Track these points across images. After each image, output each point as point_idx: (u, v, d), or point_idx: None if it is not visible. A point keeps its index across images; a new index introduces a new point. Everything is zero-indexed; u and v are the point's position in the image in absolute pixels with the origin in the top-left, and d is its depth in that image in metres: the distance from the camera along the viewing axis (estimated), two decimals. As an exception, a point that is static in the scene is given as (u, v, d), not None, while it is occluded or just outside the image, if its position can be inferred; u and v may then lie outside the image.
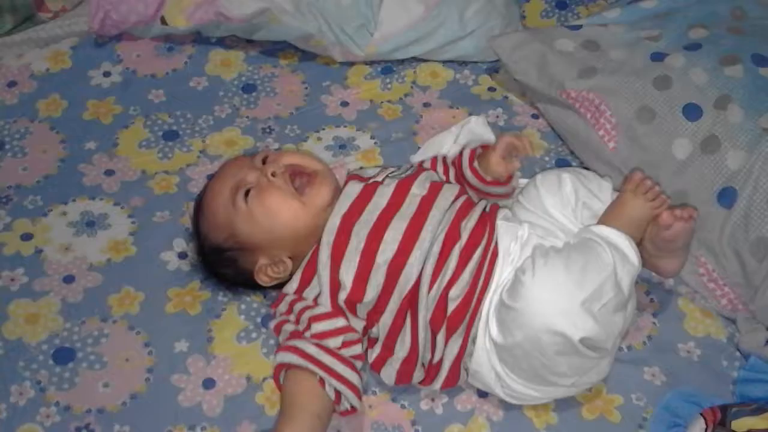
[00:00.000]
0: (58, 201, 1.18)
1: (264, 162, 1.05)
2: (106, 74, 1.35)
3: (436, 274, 0.98)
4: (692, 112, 1.17)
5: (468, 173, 1.09)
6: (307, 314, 0.98)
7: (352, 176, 1.08)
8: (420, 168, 1.11)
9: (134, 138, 1.27)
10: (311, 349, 0.95)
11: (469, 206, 1.05)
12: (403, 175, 1.07)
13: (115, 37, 1.38)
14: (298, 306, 0.99)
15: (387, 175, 1.07)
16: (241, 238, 1.01)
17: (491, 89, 1.38)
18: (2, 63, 1.34)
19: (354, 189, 1.04)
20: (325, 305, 0.98)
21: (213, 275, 1.08)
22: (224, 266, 1.05)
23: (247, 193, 1.01)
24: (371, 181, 1.06)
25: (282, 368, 0.97)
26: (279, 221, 1.01)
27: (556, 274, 0.92)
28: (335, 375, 0.94)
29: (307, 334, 0.97)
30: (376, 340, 1.00)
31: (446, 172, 1.12)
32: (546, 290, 0.91)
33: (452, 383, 0.99)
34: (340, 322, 0.98)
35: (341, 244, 0.99)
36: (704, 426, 0.97)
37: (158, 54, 1.38)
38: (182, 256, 1.13)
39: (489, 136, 1.28)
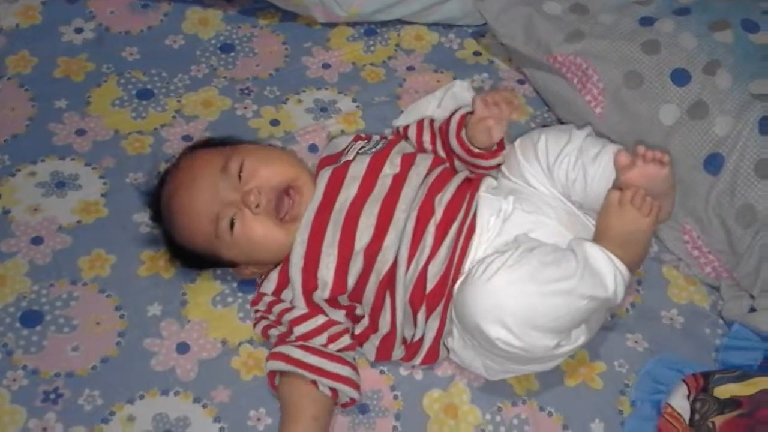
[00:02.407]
0: (27, 161, 1.14)
1: (240, 174, 0.97)
2: (78, 30, 1.30)
3: (412, 254, 0.95)
4: (680, 77, 1.15)
5: (454, 143, 1.03)
6: (286, 317, 0.96)
7: (322, 160, 1.05)
8: (392, 139, 1.07)
9: (107, 96, 1.23)
10: (297, 353, 0.93)
11: (445, 178, 1.01)
12: (374, 150, 1.03)
13: (89, -9, 1.33)
14: (277, 308, 0.97)
15: (357, 151, 1.03)
16: (223, 257, 0.99)
17: (477, 53, 1.35)
18: (-31, 18, 1.29)
19: (323, 179, 1.00)
20: (301, 306, 0.96)
21: (188, 265, 1.04)
22: (203, 265, 1.03)
23: (231, 223, 0.96)
24: (342, 161, 1.02)
25: (275, 374, 0.95)
26: (263, 249, 0.98)
27: (517, 275, 0.87)
28: (326, 374, 0.93)
29: (292, 337, 0.95)
30: (362, 316, 0.98)
31: (433, 141, 1.07)
32: (488, 291, 0.87)
33: (432, 360, 0.97)
34: (320, 320, 0.96)
35: (316, 242, 0.96)
36: (686, 392, 0.96)
37: (133, 11, 1.33)
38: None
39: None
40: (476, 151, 1.02)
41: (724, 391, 0.95)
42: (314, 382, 0.93)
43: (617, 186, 0.94)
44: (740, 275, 1.08)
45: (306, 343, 0.94)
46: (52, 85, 1.23)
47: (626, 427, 0.97)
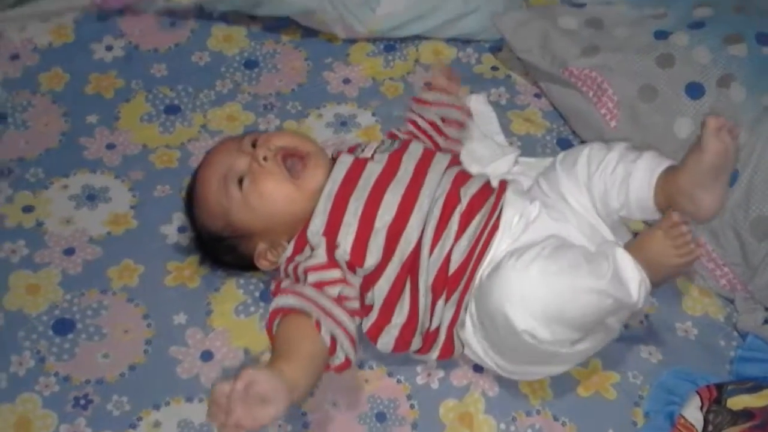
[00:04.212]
0: (60, 174, 1.19)
1: (254, 145, 1.02)
2: (109, 48, 1.35)
3: (437, 237, 0.97)
4: (695, 90, 1.16)
5: (421, 94, 1.13)
6: (301, 266, 0.96)
7: (340, 153, 1.07)
8: (406, 140, 1.10)
9: (136, 112, 1.27)
10: (309, 292, 0.92)
11: (466, 175, 1.04)
12: (391, 149, 1.05)
13: (118, 11, 1.37)
14: (291, 266, 0.97)
15: (375, 150, 1.05)
16: (238, 225, 1.00)
17: (494, 68, 1.37)
18: (5, 36, 1.34)
19: (346, 159, 1.03)
20: (321, 257, 0.96)
21: (213, 261, 1.08)
22: (224, 253, 1.05)
23: (240, 180, 0.99)
24: (361, 156, 1.04)
25: (277, 315, 0.92)
26: (275, 206, 0.99)
27: (553, 268, 0.88)
28: (332, 318, 0.90)
29: (305, 282, 0.95)
30: (370, 307, 0.98)
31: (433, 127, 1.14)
32: (523, 279, 0.88)
33: (448, 353, 0.98)
34: (336, 273, 0.95)
35: (339, 211, 0.98)
36: (700, 404, 0.97)
37: (161, 28, 1.38)
38: (182, 230, 1.13)
39: (490, 113, 1.29)
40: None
41: (737, 402, 0.96)
42: (318, 325, 0.89)
43: (676, 207, 0.94)
44: (755, 288, 1.09)
45: (319, 289, 0.93)
46: (83, 101, 1.28)
47: (640, 438, 0.99)
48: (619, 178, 0.97)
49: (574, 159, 1.02)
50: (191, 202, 1.05)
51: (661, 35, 1.23)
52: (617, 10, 1.31)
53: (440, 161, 1.04)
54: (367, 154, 1.04)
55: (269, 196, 0.99)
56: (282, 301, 0.93)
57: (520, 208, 0.99)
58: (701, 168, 0.93)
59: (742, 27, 1.20)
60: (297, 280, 0.96)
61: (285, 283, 0.98)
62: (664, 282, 0.95)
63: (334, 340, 0.90)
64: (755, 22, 1.22)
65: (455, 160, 1.07)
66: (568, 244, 0.94)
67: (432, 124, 1.14)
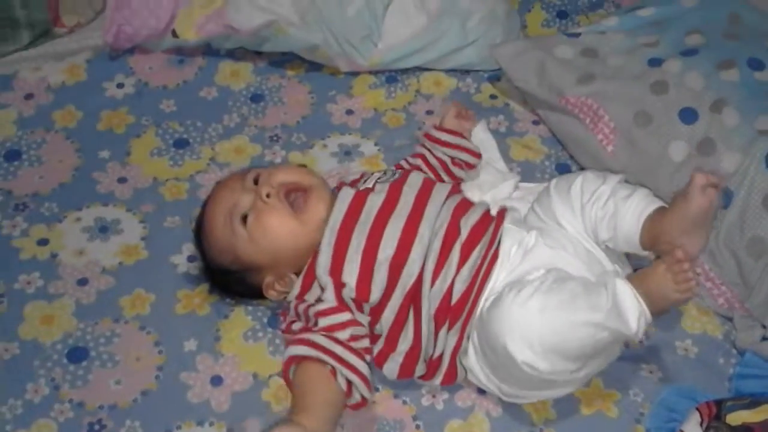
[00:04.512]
0: (73, 207, 1.22)
1: (256, 181, 1.06)
2: (120, 86, 1.39)
3: (439, 269, 1.00)
4: (688, 115, 1.19)
5: (434, 132, 1.18)
6: (312, 310, 1.00)
7: (340, 183, 1.11)
8: (407, 170, 1.14)
9: (146, 146, 1.31)
10: (321, 340, 0.96)
11: (467, 203, 1.07)
12: (392, 180, 1.09)
13: (129, 50, 1.42)
14: (302, 307, 1.02)
15: (376, 181, 1.09)
16: (245, 260, 1.04)
17: (493, 97, 1.41)
18: (20, 76, 1.39)
19: (348, 193, 1.06)
20: (330, 301, 1.00)
21: (222, 290, 1.11)
22: (233, 285, 1.09)
23: (244, 218, 1.03)
24: (362, 188, 1.08)
25: (292, 362, 0.97)
26: (279, 241, 1.03)
27: (550, 302, 0.91)
28: (346, 365, 0.95)
29: (316, 328, 0.99)
30: (378, 336, 1.02)
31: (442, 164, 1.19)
32: (522, 314, 0.91)
33: (451, 379, 1.02)
34: (345, 316, 0.99)
35: (342, 246, 1.01)
36: (700, 420, 0.99)
37: (170, 66, 1.42)
38: (191, 259, 1.16)
39: (490, 141, 1.32)
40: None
41: (736, 418, 0.98)
42: (333, 372, 0.94)
43: (680, 245, 0.95)
44: (752, 305, 1.11)
45: (330, 334, 0.97)
46: (95, 137, 1.32)
47: (641, 455, 1.00)
48: (609, 213, 1.01)
49: (568, 186, 1.05)
50: (200, 236, 1.09)
51: (655, 62, 1.27)
52: (611, 39, 1.35)
53: (440, 191, 1.07)
54: (369, 184, 1.08)
55: (273, 231, 1.03)
56: (296, 350, 0.97)
57: (518, 238, 1.03)
58: (686, 217, 0.98)
59: (734, 53, 1.24)
60: (308, 322, 1.00)
61: (296, 326, 1.02)
62: (662, 313, 0.96)
63: (349, 383, 0.95)
64: (747, 48, 1.25)
65: (455, 189, 1.11)
66: (567, 276, 0.96)
67: (441, 162, 1.18)
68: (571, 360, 0.91)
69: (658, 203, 1.02)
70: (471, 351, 0.99)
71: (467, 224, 1.03)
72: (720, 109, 1.18)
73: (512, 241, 1.02)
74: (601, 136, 1.25)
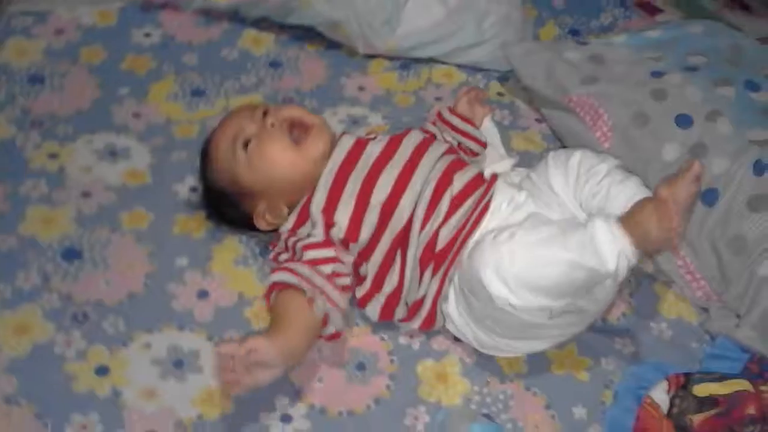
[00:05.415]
0: (87, 131, 1.27)
1: (264, 114, 1.11)
2: (147, 35, 1.44)
3: (428, 216, 1.04)
4: (684, 121, 1.25)
5: (446, 114, 1.21)
6: (300, 244, 1.04)
7: (345, 132, 1.16)
8: (407, 129, 1.18)
9: (164, 90, 1.36)
10: (304, 270, 1.00)
11: (462, 162, 1.12)
12: (393, 134, 1.14)
13: (161, 5, 1.48)
14: (291, 240, 1.05)
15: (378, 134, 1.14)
16: (241, 184, 1.08)
17: (500, 94, 1.46)
18: (55, 14, 1.45)
19: (348, 141, 1.11)
20: (318, 236, 1.04)
21: (217, 214, 1.15)
22: (227, 207, 1.12)
23: (246, 143, 1.08)
24: (363, 137, 1.13)
25: (274, 288, 1.01)
26: (276, 170, 1.07)
27: (527, 240, 0.94)
28: (325, 294, 0.99)
29: (301, 259, 1.03)
30: (364, 278, 1.05)
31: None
32: (498, 249, 0.94)
33: (430, 324, 1.04)
34: (330, 252, 1.03)
35: (338, 188, 1.06)
36: (667, 388, 1.01)
37: (196, 25, 1.47)
38: (193, 190, 1.20)
39: (493, 129, 1.37)
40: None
41: (703, 389, 1.00)
42: (311, 301, 0.97)
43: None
44: (729, 297, 1.14)
45: (314, 266, 1.00)
46: (117, 75, 1.37)
47: (607, 415, 1.02)
48: (603, 191, 1.05)
49: (566, 157, 1.09)
50: (204, 158, 1.13)
51: (657, 74, 1.33)
52: (618, 50, 1.41)
53: (437, 148, 1.12)
54: (371, 136, 1.13)
55: (271, 158, 1.07)
56: (279, 277, 1.00)
57: (509, 195, 1.07)
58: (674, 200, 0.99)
59: (733, 74, 1.30)
60: (294, 254, 1.03)
61: (283, 257, 1.05)
62: (648, 255, 0.98)
63: (326, 314, 0.97)
64: (745, 73, 1.31)
65: (452, 150, 1.15)
66: (547, 220, 1.00)
67: (448, 144, 1.22)
68: (545, 296, 0.94)
69: (648, 193, 1.06)
70: (451, 295, 1.02)
71: (462, 178, 1.08)
72: (715, 119, 1.23)
73: (503, 198, 1.06)
74: (599, 134, 1.30)
